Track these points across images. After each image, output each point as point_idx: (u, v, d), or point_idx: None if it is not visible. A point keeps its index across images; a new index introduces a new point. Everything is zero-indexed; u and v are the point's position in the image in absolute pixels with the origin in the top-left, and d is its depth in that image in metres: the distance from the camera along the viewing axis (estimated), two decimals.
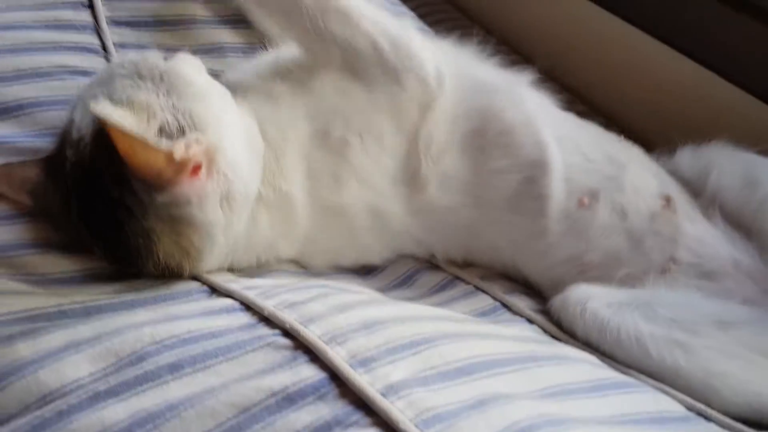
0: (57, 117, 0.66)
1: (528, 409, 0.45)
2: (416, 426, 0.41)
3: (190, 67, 0.59)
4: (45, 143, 0.64)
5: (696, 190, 0.72)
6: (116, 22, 0.75)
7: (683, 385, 0.58)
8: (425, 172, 0.65)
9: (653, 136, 0.89)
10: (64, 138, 0.57)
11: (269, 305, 0.52)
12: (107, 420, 0.42)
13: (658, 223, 0.67)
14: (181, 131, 0.53)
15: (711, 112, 0.85)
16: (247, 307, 0.52)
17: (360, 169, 0.64)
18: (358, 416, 0.42)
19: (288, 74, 0.65)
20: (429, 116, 0.65)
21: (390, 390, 0.43)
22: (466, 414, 0.43)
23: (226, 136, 0.56)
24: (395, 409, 0.42)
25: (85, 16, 0.74)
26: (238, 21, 0.80)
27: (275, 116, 0.62)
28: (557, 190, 0.66)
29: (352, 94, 0.63)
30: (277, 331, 0.50)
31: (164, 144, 0.50)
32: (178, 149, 0.51)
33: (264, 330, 0.50)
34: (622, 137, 0.76)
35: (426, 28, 0.94)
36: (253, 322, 0.51)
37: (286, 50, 0.69)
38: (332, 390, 0.44)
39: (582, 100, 0.98)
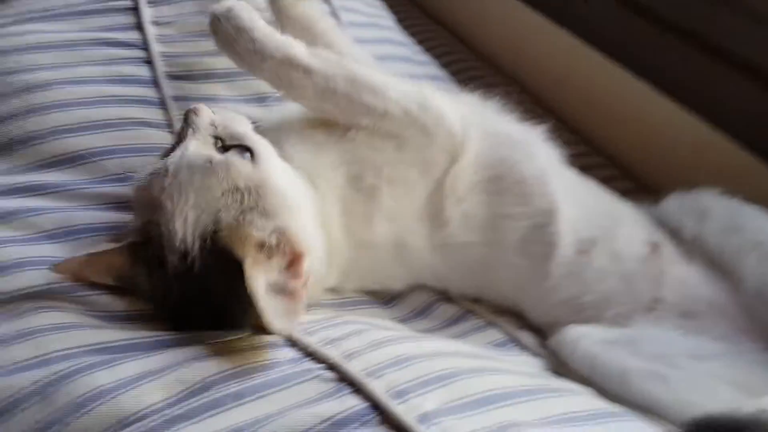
0: (121, 164, 0.74)
1: None
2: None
3: (276, 172, 0.65)
4: (111, 188, 0.73)
5: (681, 234, 0.78)
6: (172, 77, 0.82)
7: (663, 414, 0.63)
8: (448, 212, 0.71)
9: (649, 177, 0.97)
10: (159, 239, 0.60)
11: (313, 342, 0.59)
12: None
13: (646, 267, 0.73)
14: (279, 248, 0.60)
15: (701, 159, 0.93)
16: (293, 343, 0.59)
17: (389, 210, 0.70)
18: None
19: (324, 124, 0.72)
20: (456, 165, 0.71)
21: (424, 418, 0.50)
22: None
23: (312, 241, 0.64)
24: (411, 421, 0.49)
25: (145, 71, 0.82)
26: None
27: (316, 162, 0.69)
28: (562, 238, 0.72)
29: (383, 150, 0.70)
30: (322, 365, 0.56)
31: (290, 285, 0.58)
32: (298, 284, 0.59)
33: (310, 364, 0.57)
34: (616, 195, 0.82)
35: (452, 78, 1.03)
36: (299, 356, 0.58)
37: None
38: (374, 418, 0.51)
39: (588, 143, 1.06)
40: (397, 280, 0.75)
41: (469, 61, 1.21)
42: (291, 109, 0.76)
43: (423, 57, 1.07)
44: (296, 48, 0.70)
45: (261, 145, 0.65)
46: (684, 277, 0.74)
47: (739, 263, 0.73)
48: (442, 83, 1.04)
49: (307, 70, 0.68)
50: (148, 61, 0.83)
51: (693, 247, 0.77)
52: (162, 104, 0.80)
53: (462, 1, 1.33)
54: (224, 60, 0.84)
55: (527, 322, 0.76)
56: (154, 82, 0.81)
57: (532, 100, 1.14)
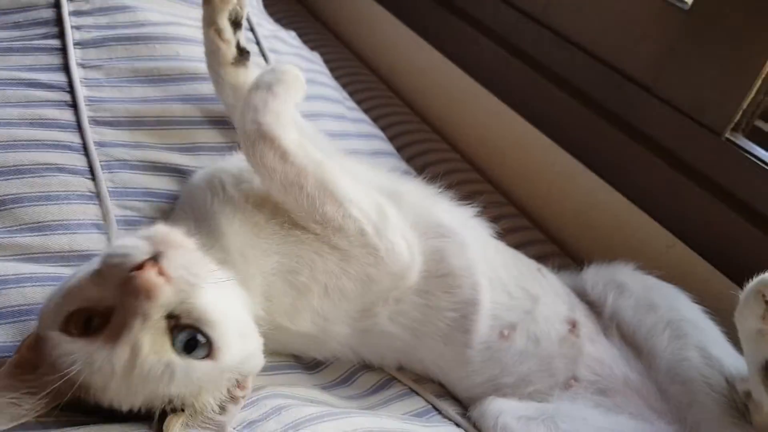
0: (36, 213, 0.71)
1: None
2: None
3: (232, 344, 0.58)
4: (23, 238, 0.69)
5: (598, 308, 0.82)
6: (97, 122, 0.80)
7: None
8: (379, 310, 0.71)
9: (576, 245, 1.04)
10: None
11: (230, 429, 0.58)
12: None
13: (564, 347, 0.76)
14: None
15: (623, 231, 1.00)
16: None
17: (317, 309, 0.68)
18: None
19: (269, 205, 0.69)
20: (399, 286, 0.71)
21: None
22: None
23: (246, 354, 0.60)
24: None
25: (68, 115, 0.79)
26: (216, 122, 0.87)
27: (250, 243, 0.66)
28: (483, 325, 0.74)
29: (327, 258, 0.68)
30: None
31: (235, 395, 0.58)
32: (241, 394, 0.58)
33: None
34: (539, 267, 0.84)
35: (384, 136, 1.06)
36: None
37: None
38: None
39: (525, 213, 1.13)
40: (316, 353, 0.75)
41: (406, 116, 1.25)
42: (235, 171, 0.72)
43: (357, 114, 1.09)
44: (286, 130, 0.67)
45: (219, 328, 0.57)
46: (600, 355, 0.77)
47: (652, 342, 0.76)
48: (376, 140, 1.07)
49: (283, 155, 0.66)
50: (72, 105, 0.80)
51: (610, 323, 0.81)
52: (84, 150, 0.77)
53: (395, 55, 1.38)
54: (153, 107, 0.84)
55: (448, 391, 0.78)
56: (78, 127, 0.78)
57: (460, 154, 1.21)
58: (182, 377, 0.54)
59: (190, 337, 0.54)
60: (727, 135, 0.90)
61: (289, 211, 0.68)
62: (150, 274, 0.52)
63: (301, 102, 0.75)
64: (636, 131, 0.97)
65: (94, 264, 0.56)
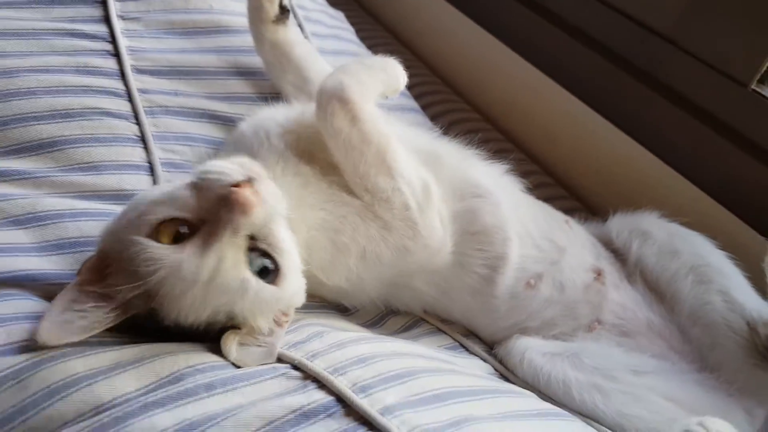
0: (86, 153, 0.75)
1: (494, 429, 0.58)
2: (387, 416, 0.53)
3: (294, 279, 0.64)
4: (77, 177, 0.73)
5: (623, 256, 0.84)
6: (139, 70, 0.84)
7: (602, 423, 0.69)
8: (412, 275, 0.75)
9: (599, 201, 1.06)
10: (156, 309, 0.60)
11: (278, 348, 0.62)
12: (158, 425, 0.52)
13: (589, 294, 0.79)
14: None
15: (646, 185, 1.02)
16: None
17: (353, 268, 0.71)
18: (363, 430, 0.53)
19: (321, 161, 0.71)
20: (433, 260, 0.73)
21: (386, 410, 0.55)
22: (447, 430, 0.55)
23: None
24: (393, 425, 0.53)
25: (111, 63, 0.83)
26: (249, 73, 0.90)
27: (299, 195, 0.68)
28: (510, 277, 0.76)
29: (369, 224, 0.70)
30: (287, 365, 0.61)
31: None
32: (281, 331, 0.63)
33: (275, 364, 0.61)
34: (567, 219, 0.87)
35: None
36: None
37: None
38: (339, 410, 0.55)
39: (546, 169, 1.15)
40: (343, 302, 0.77)
41: (428, 77, 1.27)
42: (283, 122, 0.74)
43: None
44: (365, 99, 0.69)
45: (287, 258, 0.62)
46: (624, 301, 0.80)
47: (676, 286, 0.79)
48: (399, 96, 1.08)
49: (353, 119, 0.68)
50: (115, 54, 0.84)
51: (634, 269, 0.83)
52: (128, 96, 0.81)
53: (426, 24, 1.40)
54: (190, 58, 0.87)
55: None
56: (121, 74, 0.82)
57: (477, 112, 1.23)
58: (251, 296, 0.59)
59: (264, 263, 0.60)
60: (754, 86, 0.92)
61: (343, 172, 0.70)
62: (247, 192, 0.57)
63: (392, 96, 0.78)
64: (661, 85, 0.99)
65: (185, 180, 0.61)
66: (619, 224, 0.87)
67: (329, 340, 0.64)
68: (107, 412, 0.53)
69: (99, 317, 0.57)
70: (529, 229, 0.80)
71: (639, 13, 1.02)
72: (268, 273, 0.60)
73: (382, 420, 0.54)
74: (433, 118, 1.14)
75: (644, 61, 1.02)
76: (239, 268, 0.58)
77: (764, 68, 0.90)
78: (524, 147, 1.21)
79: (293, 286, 0.63)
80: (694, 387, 0.74)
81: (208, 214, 0.58)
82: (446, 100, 1.23)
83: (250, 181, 0.58)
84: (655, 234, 0.84)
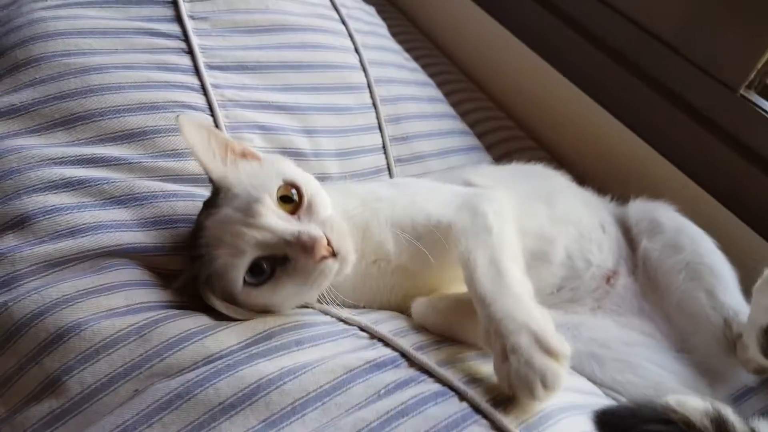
0: (171, 142, 0.86)
1: None
2: (463, 384, 0.66)
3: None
4: (164, 162, 0.84)
5: (635, 244, 0.96)
6: (210, 66, 0.94)
7: (599, 388, 0.80)
8: None
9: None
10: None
11: (342, 313, 0.76)
12: (263, 371, 0.64)
13: (597, 292, 0.91)
14: None
15: (641, 173, 1.16)
16: (325, 313, 0.76)
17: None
18: (424, 377, 0.67)
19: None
20: None
21: (442, 363, 0.69)
22: None
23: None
24: (449, 374, 0.67)
25: (186, 60, 0.93)
26: (305, 66, 1.01)
27: (342, 198, 0.81)
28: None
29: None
30: (355, 327, 0.74)
31: None
32: None
33: (345, 326, 0.74)
34: (603, 225, 0.96)
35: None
36: (335, 321, 0.75)
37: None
38: (404, 362, 0.69)
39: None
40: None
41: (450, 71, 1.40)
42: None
43: (413, 64, 1.23)
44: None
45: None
46: (625, 293, 0.92)
47: (669, 279, 0.91)
48: (430, 87, 1.21)
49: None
50: (189, 52, 0.94)
51: (640, 259, 0.95)
52: (203, 90, 0.92)
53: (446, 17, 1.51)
54: (252, 54, 0.98)
55: None
56: (196, 71, 0.93)
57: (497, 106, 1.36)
58: None
59: None
60: (742, 92, 1.05)
61: None
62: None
63: None
64: (663, 87, 1.12)
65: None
66: (638, 213, 0.98)
67: (382, 315, 0.77)
68: (219, 361, 0.66)
69: None
70: (571, 254, 0.91)
71: (645, 20, 1.14)
72: None
73: (440, 370, 0.68)
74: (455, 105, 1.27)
75: (647, 64, 1.14)
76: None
77: (752, 76, 1.03)
78: (536, 136, 1.34)
79: None
80: (674, 362, 0.86)
81: None
82: (473, 98, 1.37)
83: None
84: (666, 227, 0.95)
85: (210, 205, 0.75)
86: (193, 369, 0.66)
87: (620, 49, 1.17)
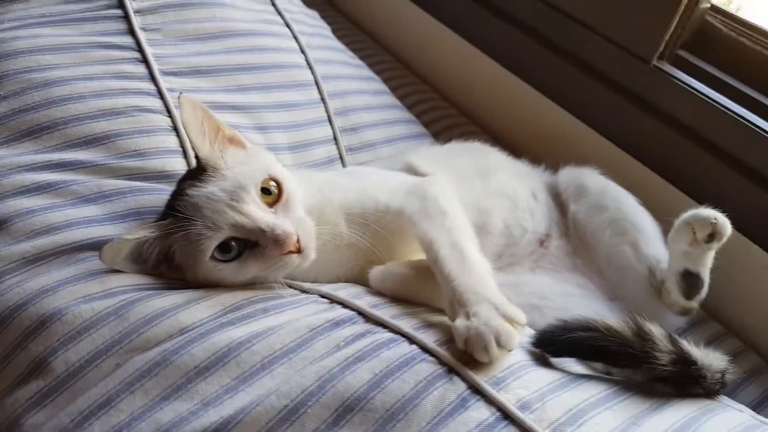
0: (134, 143, 0.92)
1: None
2: (413, 330, 0.73)
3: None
4: (128, 162, 0.91)
5: (565, 208, 1.06)
6: (165, 73, 1.01)
7: None
8: None
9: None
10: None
11: (305, 285, 0.83)
12: (233, 336, 0.71)
13: (534, 255, 1.01)
14: None
15: (574, 145, 1.26)
16: (288, 286, 0.82)
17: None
18: (378, 329, 0.74)
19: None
20: None
21: (394, 316, 0.76)
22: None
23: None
24: (401, 323, 0.74)
25: (142, 69, 1.00)
26: (256, 67, 1.08)
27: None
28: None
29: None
30: (315, 296, 0.81)
31: None
32: None
33: (307, 295, 0.81)
34: (534, 193, 1.06)
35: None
36: (297, 292, 0.82)
37: None
38: (360, 319, 0.76)
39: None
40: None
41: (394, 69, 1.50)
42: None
43: (357, 61, 1.32)
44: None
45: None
46: (559, 253, 1.02)
47: (597, 237, 1.01)
48: (375, 81, 1.30)
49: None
50: (143, 61, 1.01)
51: (570, 221, 1.05)
52: (159, 95, 0.98)
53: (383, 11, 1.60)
54: (204, 59, 1.06)
55: None
56: (151, 77, 0.99)
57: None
58: None
59: None
60: (655, 62, 1.15)
61: None
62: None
63: None
64: (583, 63, 1.22)
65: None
66: (566, 179, 1.08)
67: (344, 285, 0.85)
68: (192, 331, 0.73)
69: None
70: (508, 223, 1.00)
71: (563, 3, 1.24)
72: None
73: (393, 321, 0.75)
74: (401, 98, 1.35)
75: (568, 43, 1.24)
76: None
77: (662, 47, 1.14)
78: (473, 118, 1.44)
79: None
80: (609, 309, 0.95)
81: None
82: (418, 91, 1.47)
83: None
84: (591, 190, 1.04)
85: (194, 177, 0.81)
86: (169, 340, 0.72)
87: (542, 32, 1.27)
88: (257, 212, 0.78)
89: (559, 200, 1.08)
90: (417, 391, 0.66)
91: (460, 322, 0.71)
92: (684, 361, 0.75)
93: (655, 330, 0.76)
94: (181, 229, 0.77)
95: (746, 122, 1.05)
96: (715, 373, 0.76)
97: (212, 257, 0.78)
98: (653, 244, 0.99)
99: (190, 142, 0.81)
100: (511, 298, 0.80)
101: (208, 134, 0.82)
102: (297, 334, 0.73)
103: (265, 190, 0.81)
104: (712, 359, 0.77)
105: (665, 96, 1.14)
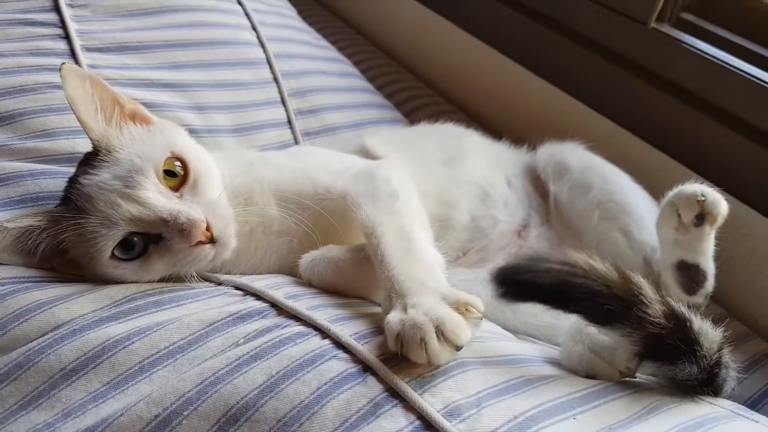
0: (42, 123, 0.82)
1: None
2: (327, 322, 0.60)
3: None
4: (33, 144, 0.80)
5: (545, 190, 0.91)
6: (88, 49, 0.91)
7: (514, 334, 0.75)
8: None
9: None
10: None
11: (221, 277, 0.71)
12: (111, 333, 0.59)
13: (510, 247, 0.87)
14: None
15: (563, 122, 1.12)
16: (203, 279, 0.70)
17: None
18: (289, 322, 0.61)
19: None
20: None
21: (312, 308, 0.63)
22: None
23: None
24: (316, 315, 0.61)
25: (62, 45, 0.90)
26: (189, 44, 0.98)
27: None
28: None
29: None
30: (229, 287, 0.68)
31: None
32: None
33: (218, 287, 0.69)
34: (509, 180, 0.92)
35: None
36: (212, 284, 0.70)
37: None
38: (272, 312, 0.63)
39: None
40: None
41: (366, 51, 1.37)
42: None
43: (323, 42, 1.20)
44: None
45: None
46: (540, 244, 0.88)
47: (584, 222, 0.86)
48: (341, 63, 1.18)
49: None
50: (65, 37, 0.91)
51: (553, 206, 0.90)
52: None
53: None
54: (136, 35, 0.96)
55: None
56: (72, 53, 0.89)
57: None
58: None
59: None
60: (653, 24, 1.00)
61: None
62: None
63: None
64: (572, 32, 1.08)
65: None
66: (545, 156, 0.93)
67: (268, 275, 0.73)
68: (65, 327, 0.61)
69: None
70: (475, 215, 0.87)
71: None
72: None
73: (307, 313, 0.62)
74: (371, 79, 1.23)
75: (558, 13, 1.10)
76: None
77: (659, 7, 0.99)
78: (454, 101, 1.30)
79: None
80: None
81: None
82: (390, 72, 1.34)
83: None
84: (573, 167, 0.89)
85: (90, 160, 0.69)
86: (39, 338, 0.60)
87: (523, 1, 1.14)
88: (157, 199, 0.66)
89: (538, 182, 0.93)
90: (318, 395, 0.53)
91: (393, 316, 0.57)
92: (676, 317, 0.59)
93: (643, 281, 0.60)
94: (74, 224, 0.66)
95: (761, 82, 0.89)
96: (711, 343, 0.60)
97: (112, 256, 0.67)
98: (647, 230, 0.83)
99: (79, 121, 0.70)
100: (479, 293, 0.67)
101: (102, 110, 0.71)
102: (189, 330, 0.60)
103: (170, 173, 0.69)
104: (707, 327, 0.61)
105: (667, 60, 0.99)
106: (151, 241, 0.67)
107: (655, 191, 0.86)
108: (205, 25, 1.01)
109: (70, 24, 0.92)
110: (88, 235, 0.66)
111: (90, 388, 0.56)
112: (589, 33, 1.06)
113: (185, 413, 0.53)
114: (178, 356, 0.58)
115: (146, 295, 0.65)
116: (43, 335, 0.60)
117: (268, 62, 1.04)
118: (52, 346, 0.58)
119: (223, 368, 0.55)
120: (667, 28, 1.00)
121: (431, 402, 0.52)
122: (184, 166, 0.70)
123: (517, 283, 0.60)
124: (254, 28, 1.06)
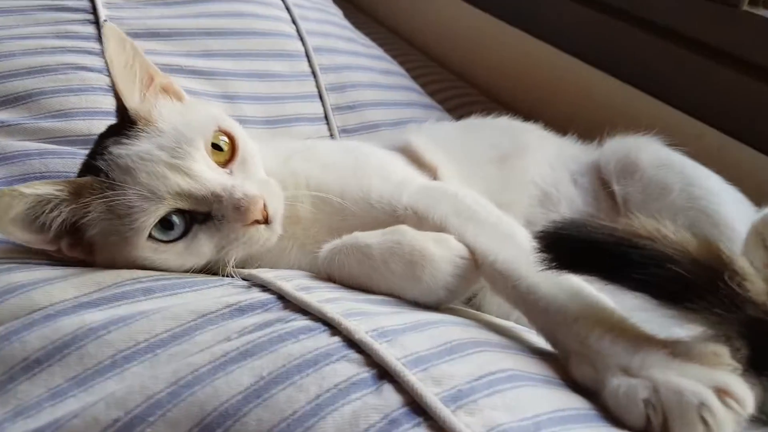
0: (58, 103, 0.77)
1: None
2: (340, 316, 0.50)
3: None
4: (48, 124, 0.75)
5: (610, 188, 0.77)
6: None
7: None
8: None
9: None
10: None
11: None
12: (87, 320, 0.50)
13: None
14: None
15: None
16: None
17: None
18: (295, 316, 0.51)
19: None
20: None
21: (327, 301, 0.52)
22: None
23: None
24: (329, 308, 0.50)
25: (90, 29, 0.86)
26: (229, 33, 0.93)
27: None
28: None
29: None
30: (238, 278, 0.59)
31: None
32: None
33: (225, 279, 0.59)
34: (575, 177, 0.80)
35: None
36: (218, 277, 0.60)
37: None
38: (278, 305, 0.53)
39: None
40: None
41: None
42: None
43: (367, 41, 1.13)
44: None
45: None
46: None
47: None
48: (385, 61, 1.10)
49: None
50: (94, 22, 0.87)
51: (623, 208, 0.75)
52: (103, 55, 0.83)
53: None
54: (169, 22, 0.91)
55: None
56: (98, 38, 0.85)
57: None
58: None
59: None
60: (745, 7, 0.86)
61: None
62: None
63: None
64: (646, 22, 0.95)
65: None
66: (608, 152, 0.79)
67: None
68: (39, 312, 0.52)
69: None
70: (533, 219, 0.75)
71: None
72: None
73: (318, 305, 0.51)
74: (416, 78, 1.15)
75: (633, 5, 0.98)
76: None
77: None
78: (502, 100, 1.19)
79: None
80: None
81: None
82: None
83: None
84: (643, 165, 0.75)
85: (118, 133, 0.61)
86: (6, 323, 0.52)
87: None
88: (208, 172, 0.59)
89: (604, 181, 0.79)
90: (317, 405, 0.42)
91: (621, 381, 0.44)
92: None
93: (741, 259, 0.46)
94: (104, 198, 0.57)
95: None
96: None
97: (150, 237, 0.58)
98: (735, 241, 0.65)
99: (114, 86, 0.62)
100: None
101: (139, 79, 0.64)
102: (175, 321, 0.51)
103: (216, 147, 0.62)
104: None
105: (761, 46, 0.84)
106: (194, 221, 0.59)
107: (758, 200, 0.71)
108: (241, 15, 0.95)
109: (101, 9, 0.88)
110: (121, 211, 0.57)
111: (51, 384, 0.47)
112: (668, 22, 0.93)
113: (151, 419, 0.43)
114: (158, 351, 0.48)
115: (137, 281, 0.56)
116: (16, 318, 0.52)
117: (307, 55, 0.97)
118: (18, 332, 0.50)
119: (203, 366, 0.45)
120: (762, 11, 0.86)
121: (468, 423, 0.39)
122: (232, 142, 0.63)
123: (570, 242, 0.46)
124: (294, 21, 1.00)
